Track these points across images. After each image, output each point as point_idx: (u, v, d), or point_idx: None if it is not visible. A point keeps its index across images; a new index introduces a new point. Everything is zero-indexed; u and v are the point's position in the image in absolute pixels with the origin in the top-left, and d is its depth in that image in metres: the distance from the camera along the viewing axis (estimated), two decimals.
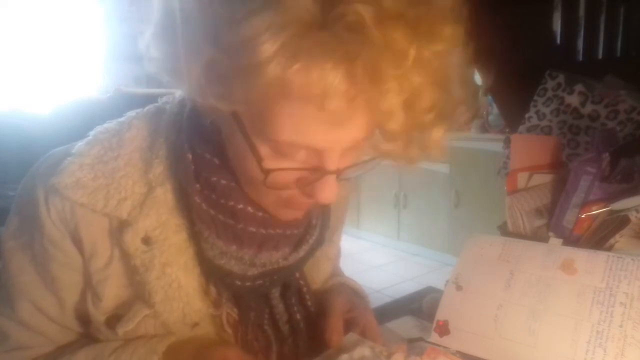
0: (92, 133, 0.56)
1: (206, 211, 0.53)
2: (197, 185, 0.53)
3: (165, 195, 0.54)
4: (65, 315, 0.57)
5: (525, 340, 0.62)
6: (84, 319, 0.58)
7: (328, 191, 0.47)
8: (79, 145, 0.55)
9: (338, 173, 0.47)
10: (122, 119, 0.58)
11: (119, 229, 0.53)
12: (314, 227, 0.61)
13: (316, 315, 0.64)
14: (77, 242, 0.54)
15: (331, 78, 0.38)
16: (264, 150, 0.46)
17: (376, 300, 0.83)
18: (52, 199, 0.53)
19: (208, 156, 0.53)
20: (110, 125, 0.57)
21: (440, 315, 0.69)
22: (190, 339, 0.57)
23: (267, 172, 0.46)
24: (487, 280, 0.69)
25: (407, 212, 3.81)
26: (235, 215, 0.53)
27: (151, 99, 0.61)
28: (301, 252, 0.59)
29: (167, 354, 0.54)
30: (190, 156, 0.53)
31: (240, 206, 0.53)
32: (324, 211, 0.63)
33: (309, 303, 0.63)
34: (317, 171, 0.47)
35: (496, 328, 0.65)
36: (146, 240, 0.53)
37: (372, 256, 3.77)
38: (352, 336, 0.59)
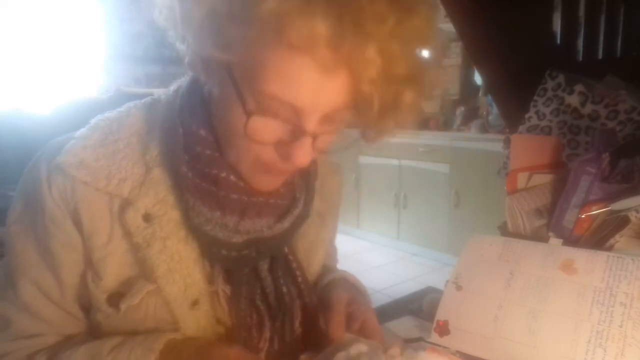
0: (93, 120, 0.59)
1: (192, 180, 0.56)
2: (185, 157, 0.56)
3: (162, 175, 0.57)
4: (66, 298, 0.58)
5: (525, 340, 0.62)
6: (83, 303, 0.59)
7: (303, 153, 0.50)
8: (81, 130, 0.58)
9: (314, 136, 0.50)
10: (121, 108, 0.61)
11: (120, 208, 0.56)
12: (298, 200, 0.63)
13: (317, 309, 0.65)
14: (77, 222, 0.55)
15: (320, 25, 0.43)
16: (250, 104, 0.49)
17: (376, 300, 0.83)
18: (55, 178, 0.55)
19: (195, 128, 0.57)
20: (109, 114, 0.61)
21: (440, 315, 0.69)
22: (189, 339, 0.57)
23: (249, 114, 0.49)
24: (487, 280, 0.69)
25: (407, 212, 3.81)
26: (219, 183, 0.56)
27: None
28: (286, 223, 0.61)
29: (165, 353, 0.54)
30: (180, 130, 0.57)
31: (224, 174, 0.56)
32: (308, 186, 0.65)
33: (300, 280, 0.65)
34: (295, 131, 0.50)
35: (496, 328, 0.65)
36: (146, 218, 0.56)
37: (372, 256, 3.77)
38: (348, 336, 0.59)
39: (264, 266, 0.63)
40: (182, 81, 0.63)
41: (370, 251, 3.90)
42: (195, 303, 0.58)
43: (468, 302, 0.69)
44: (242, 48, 0.47)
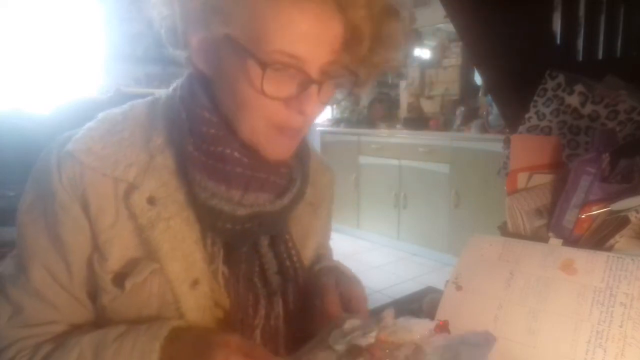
0: (99, 115, 0.64)
1: (198, 157, 0.60)
2: (191, 139, 0.61)
3: (165, 161, 0.62)
4: (74, 283, 0.61)
5: (525, 340, 0.62)
6: (89, 291, 0.62)
7: (312, 103, 0.57)
8: (88, 124, 0.63)
9: (320, 83, 0.57)
10: (124, 105, 0.66)
11: (125, 192, 0.60)
12: (295, 180, 0.68)
13: (308, 296, 0.68)
14: (85, 206, 0.59)
15: None
16: (254, 71, 0.55)
17: (376, 300, 0.83)
18: (65, 165, 0.59)
19: (199, 111, 0.61)
20: (114, 109, 0.65)
21: (440, 315, 0.69)
22: (192, 326, 0.60)
23: (264, 66, 0.54)
24: (487, 280, 0.69)
25: (407, 212, 3.82)
26: (224, 159, 0.60)
27: None
28: (285, 200, 0.66)
29: (170, 339, 0.56)
30: (184, 115, 0.62)
31: (228, 151, 0.60)
32: (303, 169, 0.70)
33: (295, 259, 0.69)
34: (303, 83, 0.56)
35: (496, 328, 0.65)
36: (151, 200, 0.60)
37: (372, 256, 3.77)
38: (341, 314, 0.61)
39: (264, 242, 0.67)
40: (179, 80, 0.67)
41: (370, 251, 3.90)
42: (195, 282, 0.61)
43: (468, 302, 0.69)
44: (241, 16, 0.54)
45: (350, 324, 0.56)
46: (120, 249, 0.59)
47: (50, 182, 0.59)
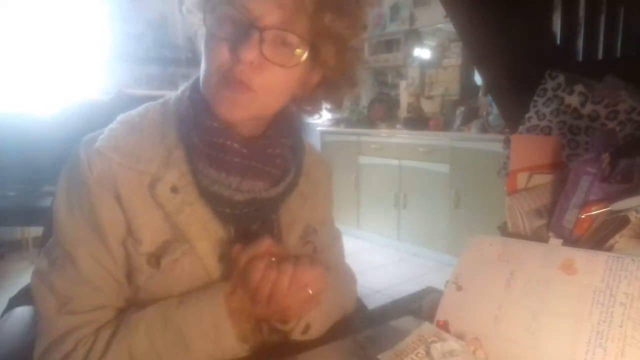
0: (118, 118, 0.71)
1: (202, 149, 0.67)
2: (196, 132, 0.67)
3: (181, 154, 0.68)
4: (117, 266, 0.66)
5: (525, 340, 0.62)
6: (126, 275, 0.67)
7: (251, 47, 0.60)
8: (110, 125, 0.69)
9: (261, 30, 0.60)
10: (140, 108, 0.72)
11: (150, 183, 0.66)
12: (290, 171, 0.74)
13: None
14: (117, 197, 0.65)
15: None
16: (209, 17, 0.63)
17: (376, 300, 0.83)
18: (94, 161, 0.65)
19: (204, 106, 0.67)
20: (131, 112, 0.72)
21: (440, 315, 0.69)
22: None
23: (213, 11, 0.62)
24: (487, 280, 0.69)
25: (407, 212, 3.82)
26: (224, 150, 0.67)
27: (153, 100, 0.74)
28: (280, 188, 0.72)
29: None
30: (191, 110, 0.68)
31: (229, 143, 0.67)
32: (297, 160, 0.77)
33: (280, 243, 0.74)
34: (245, 26, 0.61)
35: (496, 328, 0.65)
36: (174, 189, 0.66)
37: (372, 256, 3.77)
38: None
39: (254, 227, 0.73)
40: (187, 82, 0.73)
41: (371, 251, 3.90)
42: (221, 257, 0.68)
43: (468, 302, 0.69)
44: None
45: (449, 346, 0.58)
46: (151, 233, 0.66)
47: (84, 178, 0.65)
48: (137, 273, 0.66)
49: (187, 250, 0.66)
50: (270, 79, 0.64)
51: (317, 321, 0.72)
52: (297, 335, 0.70)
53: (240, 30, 0.61)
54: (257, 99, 0.64)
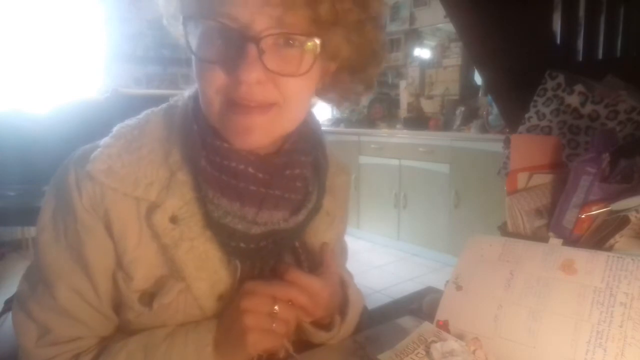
0: (114, 129, 0.62)
1: (211, 173, 0.58)
2: (203, 152, 0.58)
3: (185, 177, 0.60)
4: (102, 301, 0.60)
5: (525, 340, 0.62)
6: (116, 307, 0.62)
7: (249, 64, 0.50)
8: (105, 139, 0.61)
9: (257, 41, 0.50)
10: (140, 115, 0.64)
11: (147, 211, 0.58)
12: (311, 194, 0.65)
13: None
14: (108, 226, 0.58)
15: None
16: (194, 33, 0.54)
17: (376, 300, 0.83)
18: (85, 185, 0.57)
19: (205, 120, 0.59)
20: (129, 121, 0.63)
21: (440, 315, 0.69)
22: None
23: (186, 21, 0.53)
24: (487, 280, 0.69)
25: (407, 212, 3.81)
26: (237, 176, 0.58)
27: (149, 99, 0.68)
28: (300, 216, 0.63)
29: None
30: (196, 127, 0.59)
31: (242, 167, 0.58)
32: (320, 181, 0.68)
33: (306, 270, 0.66)
34: (237, 41, 0.51)
35: (496, 328, 0.64)
36: (173, 219, 0.58)
37: (372, 256, 3.77)
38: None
39: (271, 262, 0.65)
40: (192, 89, 0.64)
41: (370, 251, 3.90)
42: (221, 296, 0.61)
43: (468, 302, 0.69)
44: None
45: (449, 345, 0.57)
46: (145, 268, 0.59)
47: (71, 202, 0.58)
48: (128, 309, 0.60)
49: (183, 290, 0.59)
50: (286, 88, 0.54)
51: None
52: None
53: (232, 45, 0.51)
54: (281, 115, 0.55)
